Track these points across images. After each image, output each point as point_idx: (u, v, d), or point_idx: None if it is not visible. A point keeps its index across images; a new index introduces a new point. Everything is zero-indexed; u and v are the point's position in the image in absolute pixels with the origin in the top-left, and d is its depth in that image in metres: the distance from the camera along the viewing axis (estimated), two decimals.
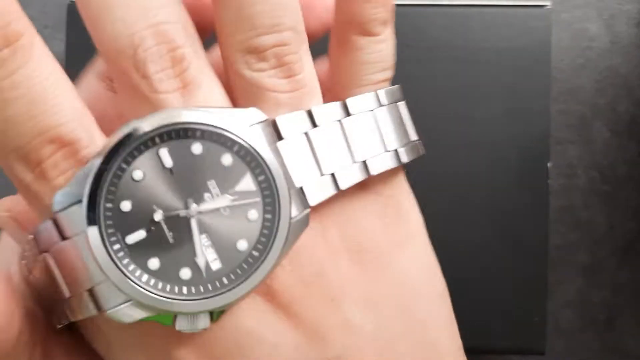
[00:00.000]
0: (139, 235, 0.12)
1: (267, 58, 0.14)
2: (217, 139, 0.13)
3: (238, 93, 0.14)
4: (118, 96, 0.14)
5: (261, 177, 0.13)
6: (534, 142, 0.29)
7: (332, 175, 0.14)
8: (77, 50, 0.29)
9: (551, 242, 0.34)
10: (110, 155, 0.12)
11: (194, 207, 0.12)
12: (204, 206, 0.13)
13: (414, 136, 0.16)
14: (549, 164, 0.29)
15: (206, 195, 0.13)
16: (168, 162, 0.12)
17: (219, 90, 0.14)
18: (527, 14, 0.29)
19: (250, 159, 0.13)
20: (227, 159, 0.13)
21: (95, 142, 0.13)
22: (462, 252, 0.28)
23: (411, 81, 0.30)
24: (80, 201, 0.12)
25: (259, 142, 0.13)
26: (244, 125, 0.13)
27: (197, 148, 0.13)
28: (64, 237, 0.13)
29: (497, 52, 0.29)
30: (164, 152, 0.12)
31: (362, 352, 0.14)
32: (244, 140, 0.13)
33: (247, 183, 0.13)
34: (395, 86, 0.16)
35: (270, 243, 0.13)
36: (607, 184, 0.34)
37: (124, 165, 0.12)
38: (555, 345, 0.34)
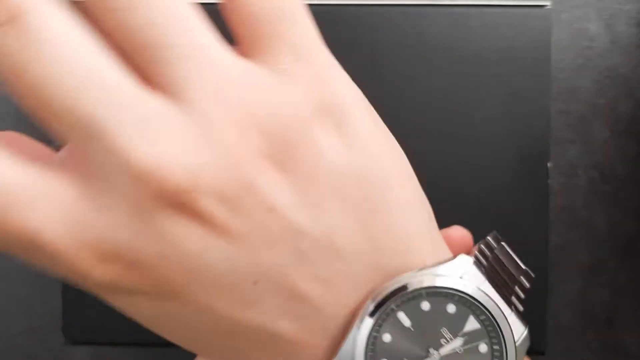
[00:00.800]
0: None
1: None
2: (440, 294, 0.15)
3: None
4: None
5: (482, 317, 0.15)
6: (534, 142, 0.29)
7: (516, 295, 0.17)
8: None
9: (551, 242, 0.34)
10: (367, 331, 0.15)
11: (435, 353, 0.15)
12: (443, 350, 0.15)
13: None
14: (549, 164, 0.29)
15: (442, 340, 0.15)
16: (407, 322, 0.15)
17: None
18: (527, 14, 0.29)
19: (469, 304, 0.15)
20: (451, 308, 0.15)
21: None
22: None
23: (411, 81, 0.30)
24: None
25: (470, 289, 0.15)
26: (456, 277, 0.15)
27: (425, 305, 0.15)
28: None
29: (497, 52, 0.29)
30: (402, 315, 0.15)
31: (314, 256, 0.15)
32: (460, 291, 0.15)
33: (472, 323, 0.15)
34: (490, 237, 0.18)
35: None
36: (607, 184, 0.34)
37: (375, 334, 0.15)
38: (555, 345, 0.34)
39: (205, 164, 0.14)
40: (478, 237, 0.30)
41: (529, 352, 0.30)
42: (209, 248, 0.14)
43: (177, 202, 0.14)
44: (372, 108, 0.16)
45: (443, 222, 0.18)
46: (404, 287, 0.15)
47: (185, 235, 0.14)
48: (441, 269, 0.15)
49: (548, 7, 0.29)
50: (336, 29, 0.30)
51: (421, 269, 0.15)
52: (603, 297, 0.34)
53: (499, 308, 0.15)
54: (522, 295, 0.17)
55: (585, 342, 0.34)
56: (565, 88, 0.34)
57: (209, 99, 0.14)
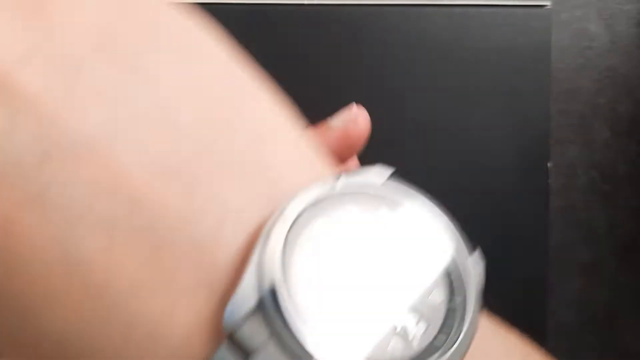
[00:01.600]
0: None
1: None
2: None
3: None
4: None
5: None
6: (534, 142, 0.29)
7: None
8: None
9: (551, 241, 0.34)
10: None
11: None
12: None
13: None
14: (549, 164, 0.29)
15: None
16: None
17: None
18: (527, 14, 0.29)
19: None
20: None
21: None
22: None
23: (411, 81, 0.30)
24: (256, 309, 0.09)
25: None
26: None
27: None
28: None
29: (497, 52, 0.29)
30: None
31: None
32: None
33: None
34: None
35: None
36: (607, 184, 0.34)
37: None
38: (555, 345, 0.34)
39: None
40: (478, 237, 0.30)
41: None
42: None
43: None
44: None
45: None
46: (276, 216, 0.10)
47: None
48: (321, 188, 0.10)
49: (548, 7, 0.29)
50: (336, 29, 0.30)
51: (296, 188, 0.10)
52: (603, 297, 0.34)
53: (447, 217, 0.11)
54: None
55: (585, 342, 0.34)
56: (565, 88, 0.34)
57: None
